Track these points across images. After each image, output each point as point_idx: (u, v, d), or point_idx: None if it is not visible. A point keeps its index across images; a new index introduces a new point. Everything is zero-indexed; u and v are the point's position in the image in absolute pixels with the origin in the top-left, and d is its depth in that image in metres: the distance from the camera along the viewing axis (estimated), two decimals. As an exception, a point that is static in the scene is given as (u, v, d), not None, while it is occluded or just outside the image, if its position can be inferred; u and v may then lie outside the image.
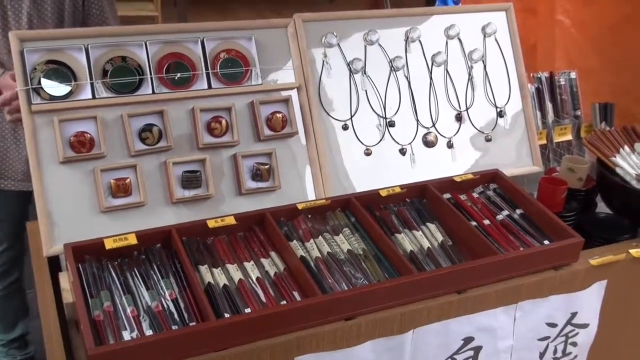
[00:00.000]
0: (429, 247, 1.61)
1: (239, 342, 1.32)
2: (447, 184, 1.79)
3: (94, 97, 1.53)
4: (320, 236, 1.59)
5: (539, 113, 2.13)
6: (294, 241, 1.55)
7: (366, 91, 1.79)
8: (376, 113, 1.80)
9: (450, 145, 1.88)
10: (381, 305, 1.44)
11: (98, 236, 1.47)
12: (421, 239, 1.63)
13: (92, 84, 1.53)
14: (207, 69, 1.63)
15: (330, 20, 1.77)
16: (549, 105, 2.15)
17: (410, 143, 1.83)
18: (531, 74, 2.14)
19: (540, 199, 1.79)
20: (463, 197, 1.79)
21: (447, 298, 1.51)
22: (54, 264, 1.57)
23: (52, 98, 1.50)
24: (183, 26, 1.63)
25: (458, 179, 1.80)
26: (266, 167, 1.66)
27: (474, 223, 1.69)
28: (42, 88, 1.49)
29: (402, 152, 1.82)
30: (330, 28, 1.77)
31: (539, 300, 1.63)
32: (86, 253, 1.44)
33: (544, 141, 2.10)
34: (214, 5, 6.53)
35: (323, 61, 1.75)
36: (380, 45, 1.82)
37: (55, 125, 1.48)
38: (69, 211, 1.50)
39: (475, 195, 1.80)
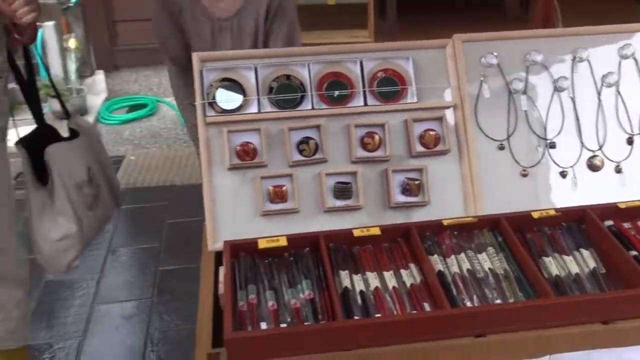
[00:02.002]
0: (577, 273, 1.55)
1: (365, 345, 1.38)
2: (610, 210, 1.70)
3: (259, 112, 1.70)
4: (462, 253, 1.60)
5: None
6: (435, 255, 1.58)
7: (525, 112, 1.77)
8: (536, 134, 1.77)
9: (618, 170, 1.78)
10: (514, 326, 1.42)
11: (255, 236, 1.62)
12: (570, 264, 1.57)
13: (258, 100, 1.70)
14: (364, 87, 1.73)
15: (490, 40, 1.78)
16: None
17: (572, 166, 1.77)
18: None
19: None
20: (627, 225, 1.69)
21: (590, 327, 1.44)
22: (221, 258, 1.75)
23: (224, 111, 1.69)
24: (343, 47, 1.75)
25: (622, 206, 1.70)
26: (416, 182, 1.71)
27: (634, 252, 1.59)
28: (216, 102, 1.69)
29: (563, 175, 1.77)
30: (490, 48, 1.78)
31: None
32: (242, 250, 1.60)
33: None
34: (425, 33, 6.63)
35: (481, 81, 1.77)
36: (543, 65, 1.78)
37: (225, 136, 1.67)
38: (232, 212, 1.67)
39: (642, 224, 1.69)
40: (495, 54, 1.77)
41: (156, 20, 2.20)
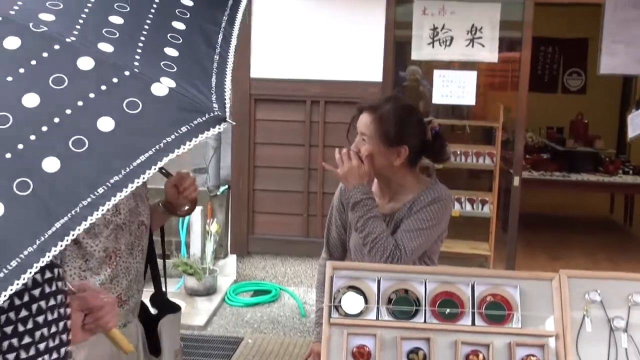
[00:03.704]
0: None
1: None
2: None
3: (377, 319, 1.92)
4: None
5: None
6: None
7: (626, 349, 1.88)
8: (636, 372, 1.86)
9: None
10: None
11: None
12: None
13: (378, 308, 1.93)
14: (473, 308, 1.92)
15: (594, 278, 1.95)
16: None
17: (674, 408, 1.83)
18: None
19: None
20: None
21: None
22: None
23: (347, 315, 1.93)
24: (457, 270, 1.97)
25: None
26: (516, 403, 1.83)
27: None
28: (340, 306, 1.94)
29: (664, 415, 1.82)
30: (594, 285, 1.94)
31: None
32: None
33: None
34: (546, 251, 6.72)
35: (584, 315, 1.91)
36: (645, 307, 1.92)
37: (344, 337, 1.89)
38: (342, 408, 1.85)
39: None
40: (599, 291, 1.93)
41: (330, 213, 2.48)
